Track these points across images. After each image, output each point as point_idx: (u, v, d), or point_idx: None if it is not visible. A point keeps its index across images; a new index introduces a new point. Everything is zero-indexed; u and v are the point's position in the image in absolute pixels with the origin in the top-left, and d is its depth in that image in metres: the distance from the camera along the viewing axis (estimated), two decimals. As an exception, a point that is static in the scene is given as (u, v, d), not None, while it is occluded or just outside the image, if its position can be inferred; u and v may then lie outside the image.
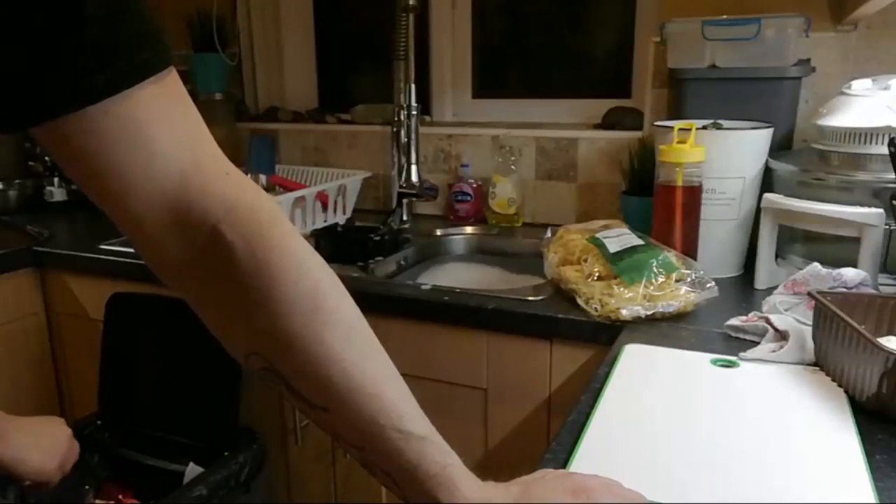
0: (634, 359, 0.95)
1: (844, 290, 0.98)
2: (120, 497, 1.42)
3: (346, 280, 0.54)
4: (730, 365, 0.93)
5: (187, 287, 0.53)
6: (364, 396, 0.52)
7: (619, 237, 1.21)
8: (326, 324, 0.52)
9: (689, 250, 1.24)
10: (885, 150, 1.06)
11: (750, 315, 1.04)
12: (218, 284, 0.51)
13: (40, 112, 0.43)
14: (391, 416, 0.52)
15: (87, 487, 1.39)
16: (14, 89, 0.42)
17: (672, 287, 1.11)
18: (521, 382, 1.22)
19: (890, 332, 0.88)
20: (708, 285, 1.12)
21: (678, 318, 1.10)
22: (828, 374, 0.88)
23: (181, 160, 0.48)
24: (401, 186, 1.82)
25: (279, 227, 0.52)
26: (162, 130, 0.47)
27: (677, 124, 1.26)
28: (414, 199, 1.83)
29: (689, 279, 1.13)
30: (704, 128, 1.28)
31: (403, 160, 1.83)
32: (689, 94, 1.44)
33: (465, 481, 0.54)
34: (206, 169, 0.50)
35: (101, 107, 0.44)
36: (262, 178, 1.88)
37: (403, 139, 1.82)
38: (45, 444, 0.92)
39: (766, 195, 1.21)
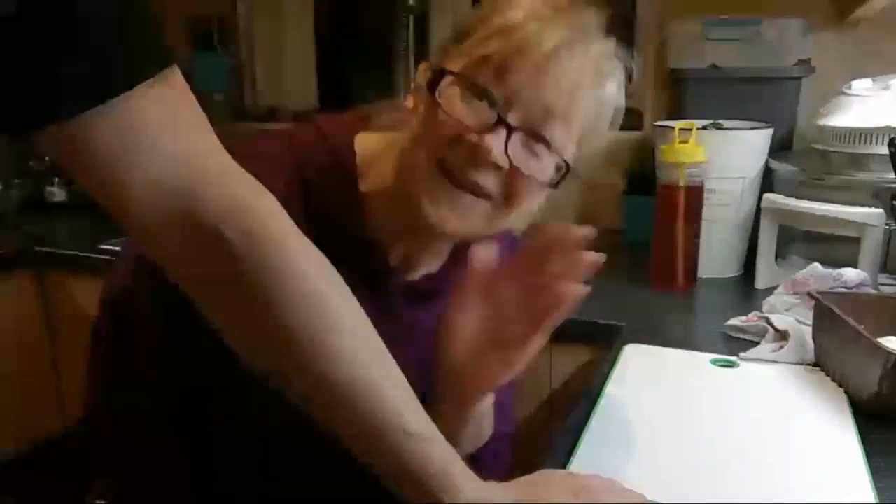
0: (634, 359, 0.95)
1: (844, 290, 0.98)
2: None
3: (347, 280, 0.54)
4: (730, 365, 0.93)
5: (191, 286, 0.53)
6: (367, 398, 0.52)
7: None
8: (329, 325, 0.52)
9: (692, 250, 1.24)
10: (885, 150, 1.06)
11: (750, 315, 1.04)
12: (220, 284, 0.51)
13: (41, 116, 0.43)
14: (394, 417, 0.52)
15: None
16: (13, 93, 0.41)
17: None
18: (522, 382, 1.21)
19: (890, 332, 0.88)
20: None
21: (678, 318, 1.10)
22: (828, 374, 0.88)
23: (184, 160, 0.48)
24: (401, 186, 1.81)
25: (281, 226, 0.52)
26: (164, 131, 0.47)
27: (678, 124, 1.26)
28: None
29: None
30: (704, 128, 1.28)
31: (403, 160, 1.83)
32: (689, 94, 1.44)
33: (468, 482, 0.54)
34: (209, 168, 0.50)
35: (102, 109, 0.43)
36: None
37: (403, 139, 1.82)
38: None
39: (767, 195, 1.21)
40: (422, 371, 0.68)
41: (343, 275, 0.54)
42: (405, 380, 0.55)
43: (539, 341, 0.63)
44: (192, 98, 0.49)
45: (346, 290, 0.54)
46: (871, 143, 1.14)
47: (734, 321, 1.03)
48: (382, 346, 0.55)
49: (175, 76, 0.47)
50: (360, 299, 0.56)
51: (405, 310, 0.74)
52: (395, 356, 0.60)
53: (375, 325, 0.56)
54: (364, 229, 0.69)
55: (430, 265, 0.76)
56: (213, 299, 0.53)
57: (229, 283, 0.51)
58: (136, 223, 0.49)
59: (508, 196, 0.65)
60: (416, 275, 0.75)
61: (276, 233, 0.51)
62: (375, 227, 0.70)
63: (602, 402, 0.83)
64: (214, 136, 0.51)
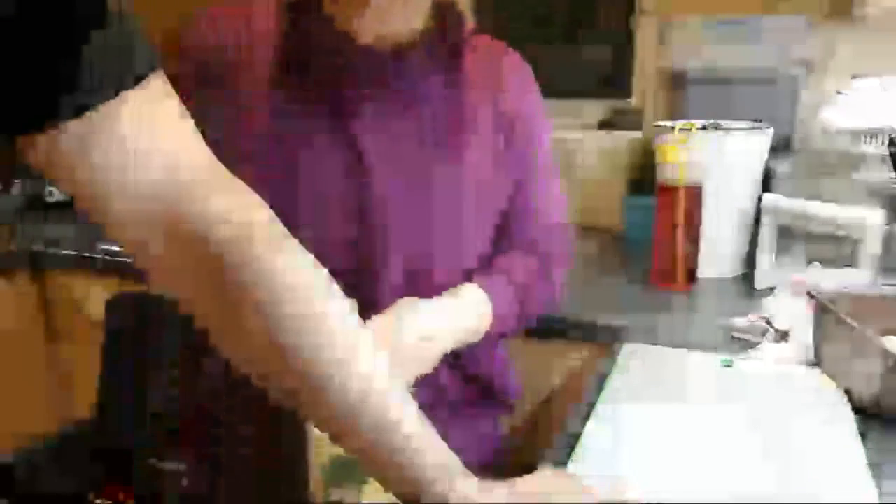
0: (634, 359, 0.95)
1: (844, 290, 0.98)
2: (120, 497, 1.42)
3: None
4: (730, 365, 0.93)
5: (181, 295, 0.52)
6: (363, 402, 0.52)
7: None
8: (323, 334, 0.51)
9: (692, 250, 1.24)
10: (885, 150, 1.06)
11: (750, 315, 1.04)
12: (210, 294, 0.50)
13: (41, 117, 0.43)
14: (391, 420, 0.52)
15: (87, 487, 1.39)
16: (12, 94, 0.41)
17: None
18: (521, 383, 1.21)
19: (890, 332, 0.88)
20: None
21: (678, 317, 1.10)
22: (828, 375, 0.88)
23: (172, 167, 0.47)
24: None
25: (274, 236, 0.51)
26: (152, 137, 0.46)
27: (677, 124, 1.26)
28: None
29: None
30: (704, 128, 1.29)
31: (403, 160, 1.82)
32: (689, 94, 1.44)
33: (465, 482, 0.54)
34: (198, 176, 0.49)
35: (102, 110, 0.43)
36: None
37: (403, 139, 1.82)
38: None
39: (766, 195, 1.21)
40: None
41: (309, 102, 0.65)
42: (402, 381, 0.55)
43: None
44: (178, 101, 0.49)
45: (341, 295, 0.53)
46: (871, 143, 1.14)
47: (734, 321, 1.03)
48: (377, 348, 0.54)
49: (161, 79, 0.47)
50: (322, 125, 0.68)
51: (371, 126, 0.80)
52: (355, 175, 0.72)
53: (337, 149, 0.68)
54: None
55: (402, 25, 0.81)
56: (202, 307, 0.52)
57: (219, 293, 0.50)
58: (122, 230, 0.48)
59: None
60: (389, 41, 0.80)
61: (269, 243, 0.51)
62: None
63: (602, 402, 0.83)
64: (202, 140, 0.50)
